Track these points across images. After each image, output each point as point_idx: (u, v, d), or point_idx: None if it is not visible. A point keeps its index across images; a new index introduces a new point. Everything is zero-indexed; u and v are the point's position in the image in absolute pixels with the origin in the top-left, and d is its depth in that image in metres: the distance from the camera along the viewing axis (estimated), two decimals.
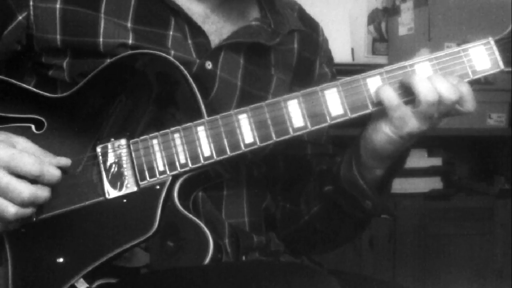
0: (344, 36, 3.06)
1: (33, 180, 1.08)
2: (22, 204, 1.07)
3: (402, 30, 3.03)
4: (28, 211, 1.09)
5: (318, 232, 1.36)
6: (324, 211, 1.32)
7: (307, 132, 1.15)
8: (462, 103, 1.12)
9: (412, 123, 1.12)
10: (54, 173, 1.10)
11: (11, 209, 1.07)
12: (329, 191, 1.28)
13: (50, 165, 1.10)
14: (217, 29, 1.29)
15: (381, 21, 3.21)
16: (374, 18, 3.22)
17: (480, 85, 2.83)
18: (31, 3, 1.22)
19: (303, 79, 1.38)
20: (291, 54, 1.38)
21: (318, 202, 1.32)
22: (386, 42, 3.20)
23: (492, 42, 1.15)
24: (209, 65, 1.25)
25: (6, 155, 1.07)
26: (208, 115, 1.15)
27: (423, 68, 1.14)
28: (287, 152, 1.37)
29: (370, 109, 1.14)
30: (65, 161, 1.14)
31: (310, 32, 1.43)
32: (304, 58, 1.40)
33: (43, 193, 1.09)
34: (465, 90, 1.13)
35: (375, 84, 1.14)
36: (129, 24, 1.23)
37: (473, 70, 1.15)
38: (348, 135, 1.26)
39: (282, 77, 1.34)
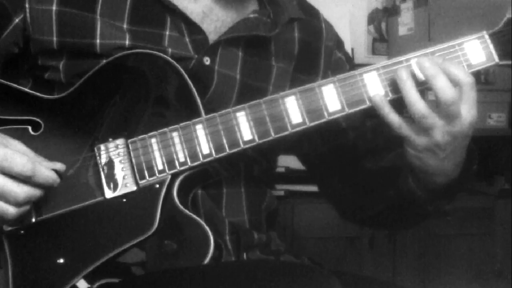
0: (344, 36, 3.04)
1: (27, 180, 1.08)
2: (18, 204, 1.07)
3: (402, 30, 3.03)
4: (26, 208, 1.09)
5: (383, 223, 1.42)
6: (388, 210, 1.34)
7: (306, 128, 1.15)
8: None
9: (418, 140, 1.14)
10: (47, 174, 1.09)
11: (11, 210, 1.07)
12: (391, 196, 1.30)
13: (42, 165, 1.09)
14: (216, 27, 1.29)
15: (381, 21, 3.22)
16: (374, 18, 3.23)
17: (480, 85, 2.85)
18: (27, 5, 1.22)
19: (308, 65, 1.38)
20: (292, 42, 1.37)
21: (382, 202, 1.34)
22: (386, 42, 3.20)
23: (486, 36, 1.16)
24: (207, 60, 1.25)
25: None
26: (209, 111, 1.15)
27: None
28: (332, 144, 1.39)
29: (367, 104, 1.15)
30: (59, 166, 1.13)
31: (310, 19, 1.42)
32: (307, 46, 1.39)
33: (36, 191, 1.09)
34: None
35: (372, 80, 1.15)
36: (125, 26, 1.23)
37: (468, 64, 1.16)
38: None
39: (283, 66, 1.34)
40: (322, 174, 1.46)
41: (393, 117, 1.14)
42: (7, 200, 1.06)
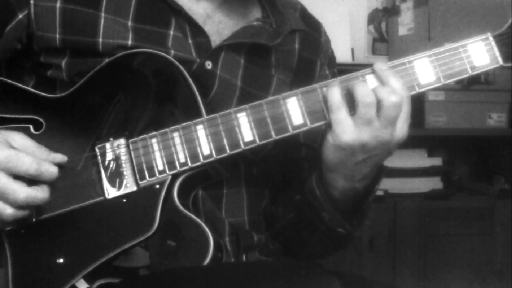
0: (344, 36, 3.06)
1: (31, 179, 1.08)
2: (18, 206, 1.07)
3: (402, 30, 3.04)
4: (25, 213, 1.09)
5: (293, 238, 1.36)
6: (296, 219, 1.32)
7: (306, 130, 1.15)
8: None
9: (350, 130, 1.12)
10: (52, 171, 1.10)
11: (9, 211, 1.07)
12: (298, 201, 1.28)
13: (47, 163, 1.10)
14: (219, 29, 1.29)
15: (381, 21, 3.22)
16: (374, 18, 3.23)
17: (480, 85, 2.85)
18: (31, 1, 1.22)
19: (304, 79, 1.37)
20: (292, 54, 1.38)
21: (293, 210, 1.32)
22: (386, 42, 3.21)
23: (491, 38, 1.16)
24: (209, 65, 1.25)
25: (3, 156, 1.06)
26: (208, 115, 1.15)
27: (422, 64, 1.15)
28: (284, 154, 1.37)
29: None
30: (60, 158, 1.13)
31: (311, 32, 1.42)
32: (305, 59, 1.39)
33: (40, 194, 1.09)
34: (405, 95, 1.12)
35: (373, 82, 1.15)
36: (129, 23, 1.23)
37: (472, 66, 1.15)
38: None
39: (282, 77, 1.34)
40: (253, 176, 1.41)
41: (337, 95, 1.12)
42: (6, 200, 1.06)
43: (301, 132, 1.16)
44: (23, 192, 1.07)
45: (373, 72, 1.15)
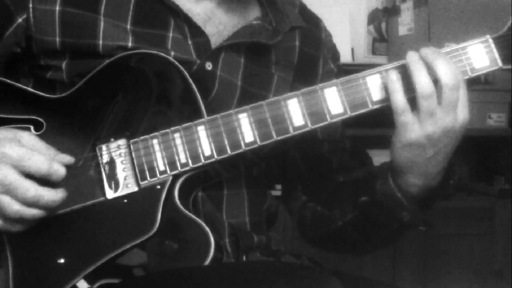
0: (344, 36, 3.06)
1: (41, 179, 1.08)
2: (26, 202, 1.07)
3: (402, 30, 3.04)
4: (32, 211, 1.08)
5: (350, 239, 1.35)
6: (359, 220, 1.30)
7: (307, 131, 1.15)
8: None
9: (415, 127, 1.12)
10: (61, 171, 1.09)
11: (15, 206, 1.06)
12: (364, 202, 1.26)
13: (56, 163, 1.09)
14: (219, 30, 1.29)
15: (381, 21, 3.23)
16: (374, 18, 3.23)
17: (480, 85, 2.85)
18: (30, 5, 1.22)
19: (306, 76, 1.37)
20: (293, 51, 1.37)
21: (353, 211, 1.31)
22: (386, 42, 3.21)
23: (490, 40, 1.16)
24: (209, 66, 1.25)
25: (16, 154, 1.06)
26: (208, 115, 1.15)
27: None
28: (305, 152, 1.37)
29: (370, 107, 1.15)
30: (68, 159, 1.13)
31: (311, 28, 1.42)
32: (306, 55, 1.39)
33: (48, 194, 1.08)
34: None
35: (375, 83, 1.15)
36: (128, 26, 1.23)
37: (471, 68, 1.15)
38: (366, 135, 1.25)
39: (283, 75, 1.34)
40: (287, 180, 1.43)
41: (401, 99, 1.12)
42: (15, 196, 1.06)
43: (302, 132, 1.16)
44: (33, 189, 1.06)
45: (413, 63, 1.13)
